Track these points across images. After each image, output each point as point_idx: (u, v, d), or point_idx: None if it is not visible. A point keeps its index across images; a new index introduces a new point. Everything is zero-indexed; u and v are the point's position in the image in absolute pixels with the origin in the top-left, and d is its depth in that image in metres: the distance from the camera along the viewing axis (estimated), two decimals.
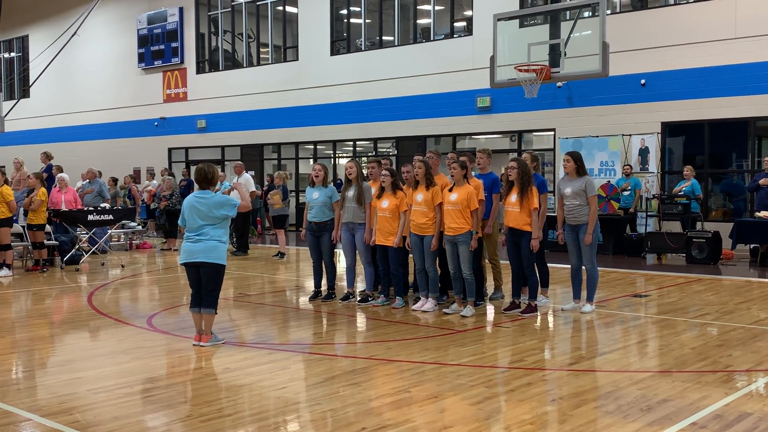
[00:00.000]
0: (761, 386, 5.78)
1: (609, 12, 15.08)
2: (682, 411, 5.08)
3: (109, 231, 15.60)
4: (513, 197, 8.49)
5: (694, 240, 13.79)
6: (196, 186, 7.34)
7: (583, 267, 8.84)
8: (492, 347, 7.21)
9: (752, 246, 14.07)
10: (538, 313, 8.71)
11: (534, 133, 19.35)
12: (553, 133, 18.35)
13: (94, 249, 14.59)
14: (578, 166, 8.78)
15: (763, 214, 13.36)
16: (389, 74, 20.89)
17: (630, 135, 16.92)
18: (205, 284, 7.07)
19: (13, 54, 33.40)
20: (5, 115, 20.71)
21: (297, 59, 23.36)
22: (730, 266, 13.43)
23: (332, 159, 23.34)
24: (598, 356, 6.81)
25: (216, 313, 7.16)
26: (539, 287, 9.00)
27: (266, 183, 22.38)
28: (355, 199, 9.29)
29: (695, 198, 14.69)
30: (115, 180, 19.47)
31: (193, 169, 24.57)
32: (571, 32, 13.51)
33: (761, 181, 13.75)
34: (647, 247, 14.60)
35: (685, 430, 4.71)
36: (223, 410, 5.16)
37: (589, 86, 16.93)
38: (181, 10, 26.09)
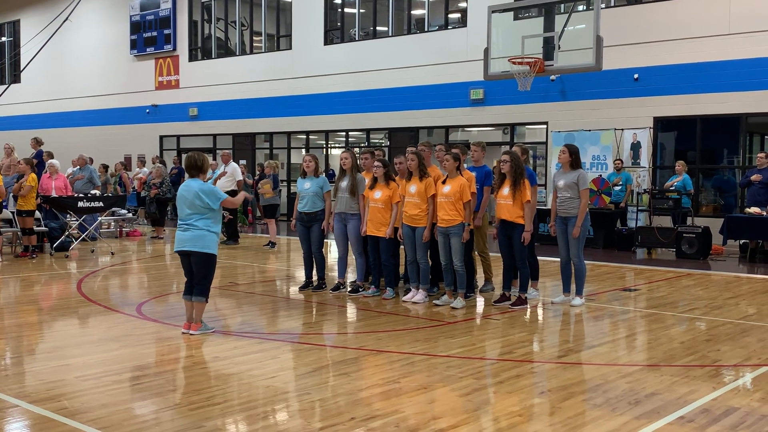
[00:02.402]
0: (748, 381, 5.81)
1: (603, 6, 15.08)
2: (670, 405, 5.10)
3: (99, 218, 15.54)
4: (505, 190, 8.49)
5: (684, 235, 13.83)
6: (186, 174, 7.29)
7: (571, 260, 8.86)
8: (481, 339, 7.23)
9: (742, 242, 14.12)
10: (528, 306, 8.73)
11: (527, 126, 19.35)
12: (545, 126, 18.35)
13: (84, 236, 14.53)
14: (573, 159, 8.79)
15: (753, 210, 13.41)
16: (383, 65, 20.84)
17: (622, 129, 16.94)
18: (195, 273, 7.06)
19: (4, 39, 33.16)
20: None
21: (290, 48, 23.28)
22: (719, 261, 13.48)
23: (324, 149, 23.30)
24: (586, 349, 6.83)
25: (207, 302, 7.15)
26: (529, 280, 9.02)
27: (257, 172, 22.33)
28: (348, 190, 9.28)
29: (686, 193, 14.74)
30: (105, 167, 19.39)
31: (184, 157, 24.55)
32: (565, 25, 13.50)
33: (753, 177, 13.79)
34: (637, 242, 14.65)
35: (672, 424, 4.73)
36: (212, 399, 5.16)
37: (583, 80, 16.93)
38: None
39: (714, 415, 4.91)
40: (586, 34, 13.05)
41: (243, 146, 24.76)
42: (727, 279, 11.44)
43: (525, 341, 7.10)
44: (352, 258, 9.76)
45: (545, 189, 17.05)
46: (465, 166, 9.12)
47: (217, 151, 24.11)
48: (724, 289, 10.41)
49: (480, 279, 9.82)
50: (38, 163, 15.28)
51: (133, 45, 27.35)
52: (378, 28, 21.67)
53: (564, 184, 8.70)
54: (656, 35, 16.45)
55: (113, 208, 15.94)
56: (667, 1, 16.53)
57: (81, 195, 14.64)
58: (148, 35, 26.82)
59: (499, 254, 8.84)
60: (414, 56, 20.26)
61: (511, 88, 15.63)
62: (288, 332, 7.45)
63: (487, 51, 14.27)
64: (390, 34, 21.25)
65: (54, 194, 13.96)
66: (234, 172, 15.44)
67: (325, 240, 9.75)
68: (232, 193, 14.99)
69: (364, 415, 4.83)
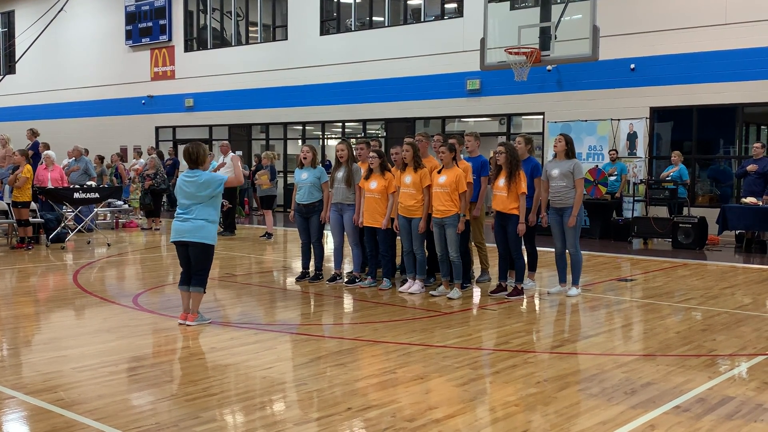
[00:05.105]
0: (744, 371, 5.83)
1: None
2: (666, 394, 5.12)
3: (95, 209, 15.52)
4: (501, 181, 8.49)
5: (680, 225, 13.86)
6: (182, 165, 7.27)
7: (567, 251, 8.87)
8: (478, 329, 7.24)
9: (738, 232, 14.15)
10: (524, 296, 8.75)
11: (523, 117, 19.34)
12: (542, 116, 18.34)
13: (80, 227, 14.51)
14: (568, 149, 8.78)
15: (749, 200, 13.43)
16: (379, 55, 20.80)
17: (619, 120, 16.95)
18: (194, 263, 7.06)
19: None
20: None
21: (286, 39, 23.21)
22: (715, 251, 13.51)
23: (321, 140, 23.26)
24: (583, 339, 6.85)
25: (204, 292, 7.15)
26: (526, 270, 9.03)
27: (254, 163, 22.30)
28: (345, 181, 9.28)
29: (682, 183, 14.76)
30: (101, 158, 19.34)
31: (180, 148, 24.42)
32: (561, 15, 13.44)
33: (748, 168, 13.81)
34: (634, 232, 14.67)
35: (668, 413, 4.75)
36: (209, 389, 5.16)
37: (579, 70, 16.92)
38: None
39: (710, 404, 4.93)
40: (582, 24, 12.99)
41: (239, 137, 24.71)
42: (723, 269, 11.47)
43: (521, 331, 7.11)
44: (348, 249, 9.76)
45: None
46: (461, 156, 9.13)
47: (214, 143, 24.12)
48: (720, 279, 10.44)
49: (477, 269, 9.82)
50: (34, 154, 15.23)
51: (128, 35, 27.24)
52: (374, 18, 21.61)
53: (559, 173, 8.69)
54: (653, 25, 16.43)
55: (109, 200, 15.91)
56: None
57: (77, 186, 14.61)
58: (144, 26, 26.72)
59: (495, 245, 8.85)
60: (410, 46, 20.21)
61: (508, 79, 15.59)
62: (285, 323, 7.45)
63: (483, 41, 14.22)
64: (386, 25, 21.19)
65: (50, 185, 13.93)
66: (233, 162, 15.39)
67: (324, 231, 9.76)
68: None
69: (361, 405, 4.84)
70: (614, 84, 17.00)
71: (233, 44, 25.08)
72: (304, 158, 9.50)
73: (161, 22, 26.13)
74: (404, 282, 9.14)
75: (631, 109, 16.81)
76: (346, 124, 22.71)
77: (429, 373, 5.59)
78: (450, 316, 7.75)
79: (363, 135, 21.94)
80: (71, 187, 14.48)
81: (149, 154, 19.50)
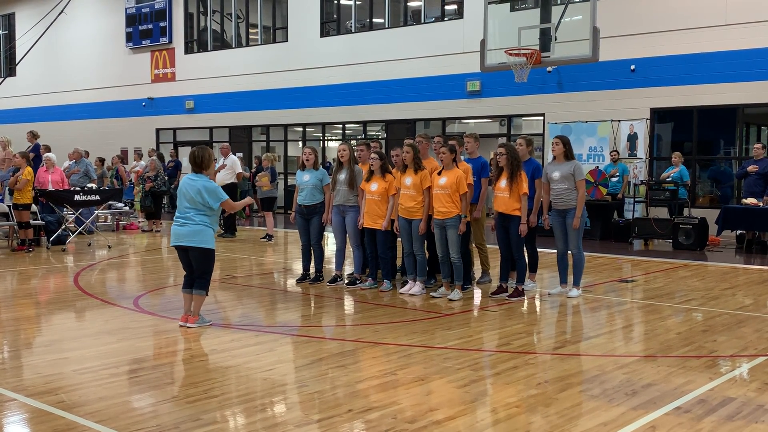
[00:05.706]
0: (745, 371, 5.82)
1: None
2: (667, 395, 5.12)
3: (96, 211, 15.51)
4: (502, 182, 8.50)
5: (680, 226, 13.86)
6: (184, 167, 7.27)
7: (569, 252, 8.87)
8: (479, 331, 7.24)
9: (738, 232, 14.15)
10: (525, 298, 8.74)
11: (523, 118, 19.35)
12: (542, 118, 18.35)
13: (80, 229, 14.52)
14: (567, 150, 8.79)
15: (750, 200, 13.43)
16: (379, 57, 20.81)
17: (619, 121, 16.95)
18: (195, 268, 7.06)
19: None
20: None
21: (286, 40, 23.22)
22: (716, 252, 13.50)
23: (321, 141, 23.26)
24: (583, 341, 6.84)
25: (207, 295, 7.16)
26: (527, 272, 9.03)
27: (254, 165, 22.31)
28: (347, 182, 9.28)
29: (683, 184, 14.75)
30: (102, 160, 19.35)
31: (181, 150, 24.43)
32: (561, 17, 13.46)
33: (749, 168, 13.81)
34: (634, 233, 14.67)
35: (669, 414, 4.74)
36: (210, 391, 5.16)
37: (579, 71, 16.92)
38: None
39: (710, 405, 4.92)
40: (582, 25, 13.00)
41: (240, 139, 24.73)
42: (724, 270, 11.46)
43: (522, 333, 7.11)
44: (349, 250, 9.77)
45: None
46: (461, 158, 9.13)
47: (215, 144, 24.12)
48: (720, 279, 10.43)
49: (477, 271, 9.83)
50: (35, 156, 15.24)
51: (129, 37, 27.26)
52: (374, 19, 21.63)
53: (560, 176, 8.70)
54: (653, 26, 16.44)
55: (110, 202, 15.91)
56: None
57: (77, 188, 14.62)
58: (144, 28, 26.75)
59: (497, 246, 8.85)
60: (411, 48, 20.22)
61: (508, 80, 15.60)
62: (285, 324, 7.46)
63: (483, 42, 14.23)
64: (386, 26, 21.20)
65: (51, 188, 13.94)
66: (234, 164, 15.42)
67: (324, 232, 9.76)
68: (233, 187, 15.02)
69: (362, 407, 4.84)
70: (614, 85, 17.01)
71: (233, 46, 25.09)
72: (307, 160, 9.51)
73: (161, 24, 26.15)
74: (405, 283, 9.14)
75: (632, 110, 16.81)
76: (347, 125, 22.72)
77: (430, 375, 5.59)
78: (451, 317, 7.75)
79: (363, 136, 21.95)
80: (72, 189, 14.49)
81: (150, 156, 19.51)
